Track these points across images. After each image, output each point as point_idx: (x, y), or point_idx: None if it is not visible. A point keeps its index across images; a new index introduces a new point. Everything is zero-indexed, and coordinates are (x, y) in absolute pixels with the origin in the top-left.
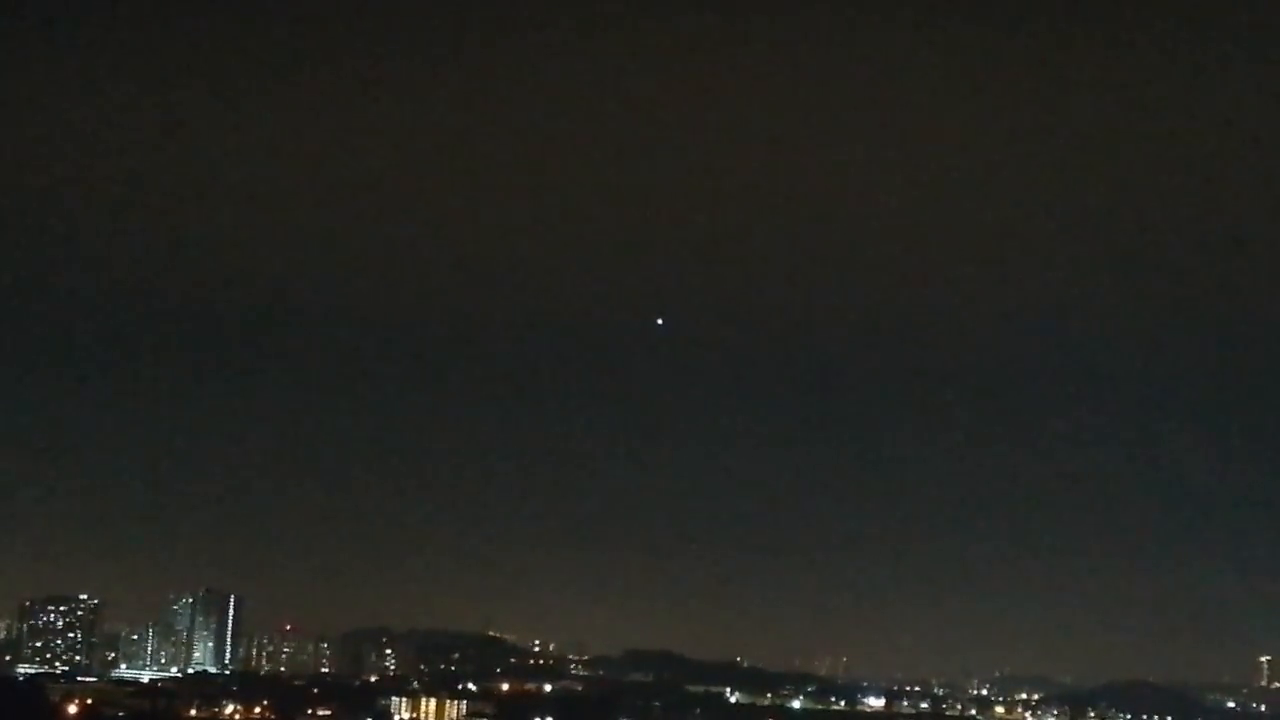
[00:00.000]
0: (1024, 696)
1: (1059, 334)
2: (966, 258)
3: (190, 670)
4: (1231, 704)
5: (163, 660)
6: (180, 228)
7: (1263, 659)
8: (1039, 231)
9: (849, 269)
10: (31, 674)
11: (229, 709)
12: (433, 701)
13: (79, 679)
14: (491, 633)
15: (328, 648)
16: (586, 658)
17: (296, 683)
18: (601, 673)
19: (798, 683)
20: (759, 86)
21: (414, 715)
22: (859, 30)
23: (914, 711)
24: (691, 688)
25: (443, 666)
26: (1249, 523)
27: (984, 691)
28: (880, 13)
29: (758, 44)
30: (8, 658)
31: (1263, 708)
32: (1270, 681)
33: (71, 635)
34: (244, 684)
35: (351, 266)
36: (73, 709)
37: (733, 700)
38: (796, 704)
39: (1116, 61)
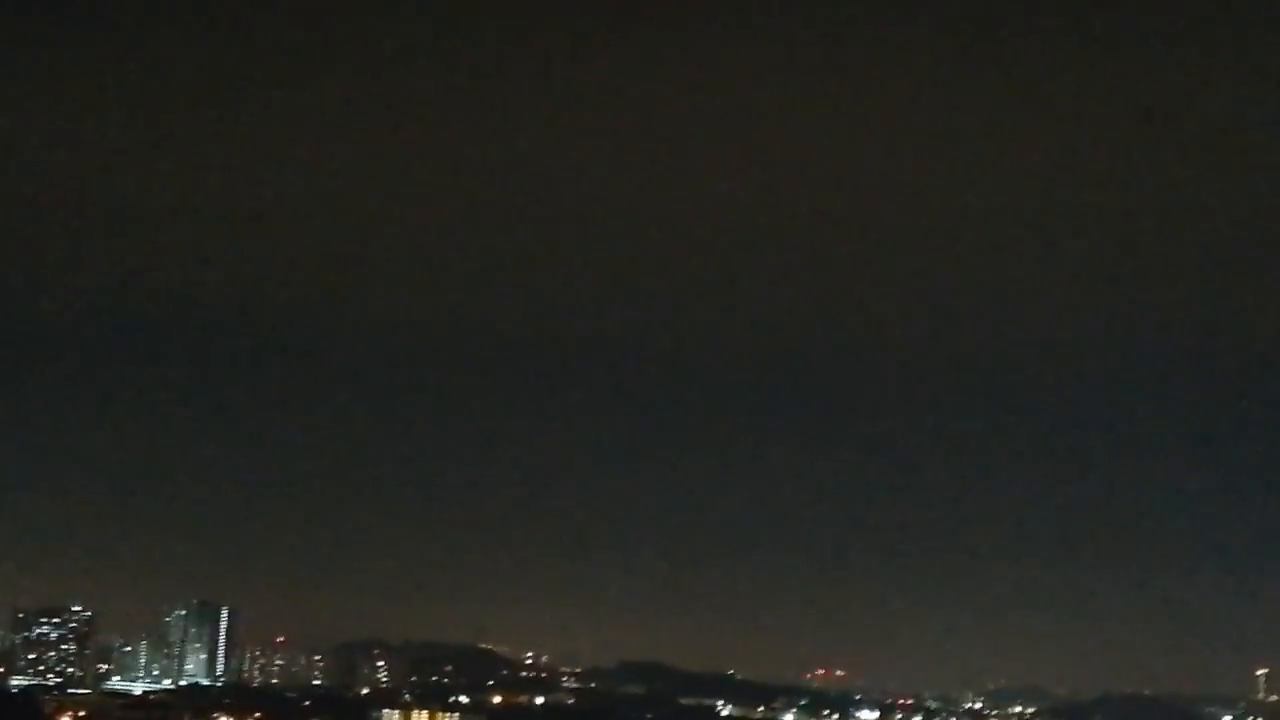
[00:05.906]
0: (1018, 709)
1: (1056, 353)
2: (976, 277)
3: (183, 682)
4: (1228, 717)
5: (156, 672)
6: (178, 244)
7: (1259, 671)
8: (1047, 252)
9: (853, 285)
10: (25, 686)
11: None
12: (425, 713)
13: (72, 691)
14: (483, 645)
15: (320, 660)
16: (578, 670)
17: (289, 694)
18: (593, 685)
19: (790, 695)
20: (768, 97)
21: None
22: (867, 49)
23: None
24: (684, 700)
25: (435, 678)
26: (1245, 536)
27: (978, 704)
28: (885, 33)
29: (760, 54)
30: (1, 669)
31: None
32: (1267, 694)
33: (65, 647)
34: (237, 696)
35: (346, 283)
36: None
37: (725, 713)
38: (789, 716)
39: (1117, 70)
